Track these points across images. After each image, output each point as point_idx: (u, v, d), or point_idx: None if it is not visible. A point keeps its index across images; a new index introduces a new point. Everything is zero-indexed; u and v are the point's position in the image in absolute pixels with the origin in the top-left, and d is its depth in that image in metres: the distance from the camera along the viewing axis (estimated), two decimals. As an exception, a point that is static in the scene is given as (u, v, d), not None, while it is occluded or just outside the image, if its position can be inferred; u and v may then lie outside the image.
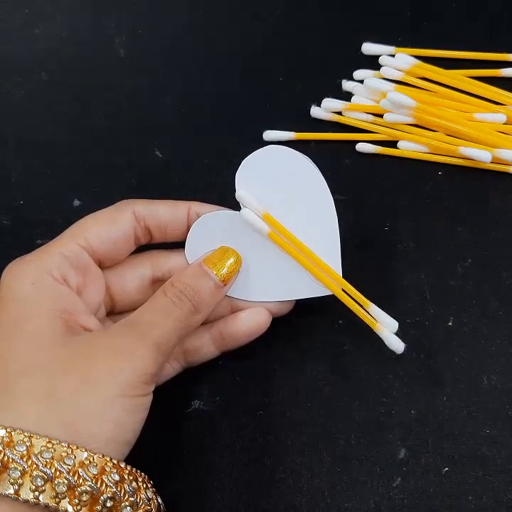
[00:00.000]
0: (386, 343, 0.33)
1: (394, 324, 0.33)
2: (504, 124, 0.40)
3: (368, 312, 0.33)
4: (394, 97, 0.39)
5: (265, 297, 0.34)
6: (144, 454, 0.29)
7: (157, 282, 0.34)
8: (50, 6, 0.47)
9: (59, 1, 0.47)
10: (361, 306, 0.33)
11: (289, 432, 0.34)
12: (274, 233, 0.33)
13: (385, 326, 0.33)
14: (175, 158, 0.42)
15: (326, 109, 0.42)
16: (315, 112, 0.42)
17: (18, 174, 0.42)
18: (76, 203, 0.40)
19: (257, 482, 0.33)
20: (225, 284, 0.32)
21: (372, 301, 0.33)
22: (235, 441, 0.34)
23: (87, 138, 0.43)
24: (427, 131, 0.41)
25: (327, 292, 0.34)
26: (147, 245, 0.35)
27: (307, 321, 0.36)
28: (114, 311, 0.34)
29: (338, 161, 0.41)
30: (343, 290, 0.33)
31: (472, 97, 0.41)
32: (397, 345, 0.33)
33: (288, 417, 0.34)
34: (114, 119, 0.43)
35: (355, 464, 0.33)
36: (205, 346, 0.34)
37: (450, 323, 0.36)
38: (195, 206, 0.34)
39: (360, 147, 0.41)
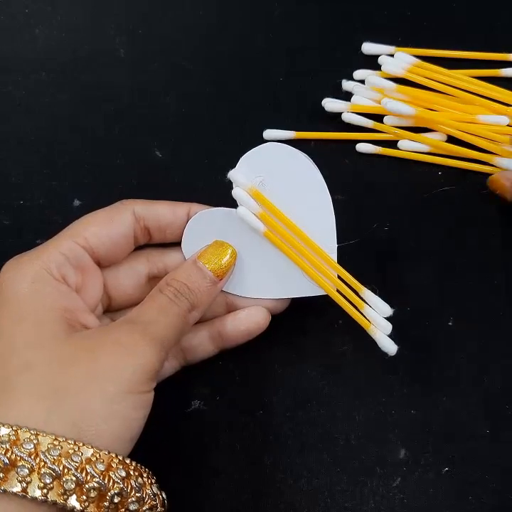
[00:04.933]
0: (379, 344, 0.32)
1: (387, 326, 0.32)
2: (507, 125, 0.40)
3: (362, 313, 0.33)
4: (393, 106, 0.39)
5: (260, 294, 0.34)
6: (144, 454, 0.29)
7: (153, 279, 0.34)
8: (50, 6, 0.47)
9: (59, 1, 0.47)
10: (355, 306, 0.33)
11: (289, 432, 0.34)
12: (270, 232, 0.33)
13: (379, 328, 0.32)
14: (175, 158, 0.42)
15: (327, 109, 0.42)
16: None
17: (18, 174, 0.42)
18: (76, 203, 0.40)
19: (257, 482, 0.33)
20: (221, 279, 0.33)
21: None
22: (235, 441, 0.34)
23: (87, 138, 0.43)
24: (428, 132, 0.41)
25: (321, 292, 0.33)
26: (145, 245, 0.35)
27: (307, 321, 0.36)
28: (110, 309, 0.34)
29: (338, 161, 0.41)
30: (337, 291, 0.33)
31: (475, 96, 0.41)
32: (390, 347, 0.32)
33: (288, 417, 0.34)
34: (114, 119, 0.43)
35: (355, 464, 0.33)
36: (204, 345, 0.34)
37: (450, 323, 0.36)
38: (195, 208, 0.34)
39: (360, 147, 0.41)
